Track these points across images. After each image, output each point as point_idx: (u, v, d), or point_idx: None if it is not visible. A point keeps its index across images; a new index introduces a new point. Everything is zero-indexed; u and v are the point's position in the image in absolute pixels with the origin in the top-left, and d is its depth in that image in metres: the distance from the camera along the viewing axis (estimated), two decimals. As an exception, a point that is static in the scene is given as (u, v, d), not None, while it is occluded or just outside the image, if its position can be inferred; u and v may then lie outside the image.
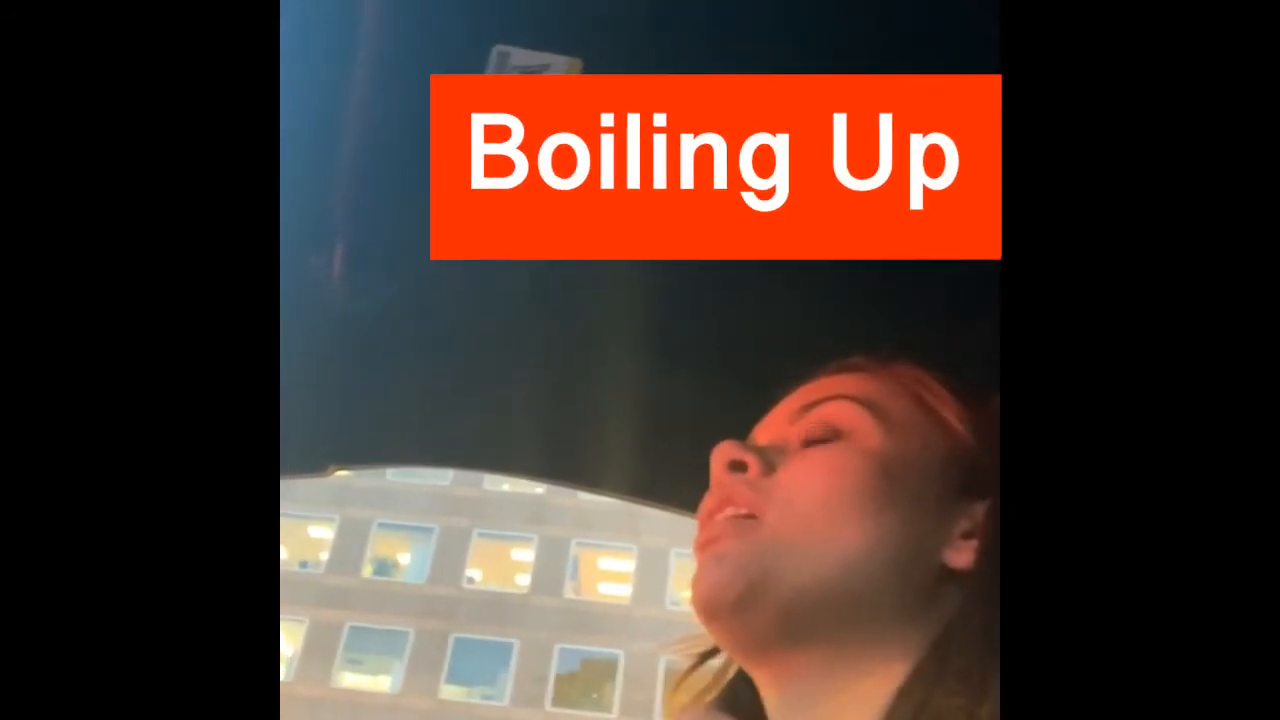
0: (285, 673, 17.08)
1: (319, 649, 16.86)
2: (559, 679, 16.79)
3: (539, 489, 16.62)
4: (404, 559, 18.37)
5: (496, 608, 17.28)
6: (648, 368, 0.80)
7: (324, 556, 17.93)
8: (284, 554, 17.95)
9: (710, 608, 0.48)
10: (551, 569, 17.77)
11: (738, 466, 0.51)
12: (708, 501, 0.51)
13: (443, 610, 17.17)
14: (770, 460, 0.51)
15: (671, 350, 0.79)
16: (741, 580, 0.47)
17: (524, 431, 0.87)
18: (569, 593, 17.59)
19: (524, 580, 17.89)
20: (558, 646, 16.85)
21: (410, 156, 0.64)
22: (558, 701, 16.54)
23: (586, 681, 16.88)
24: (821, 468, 0.50)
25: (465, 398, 0.85)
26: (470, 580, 17.87)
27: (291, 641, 17.08)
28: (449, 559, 17.85)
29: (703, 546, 0.50)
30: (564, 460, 0.89)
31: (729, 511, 0.50)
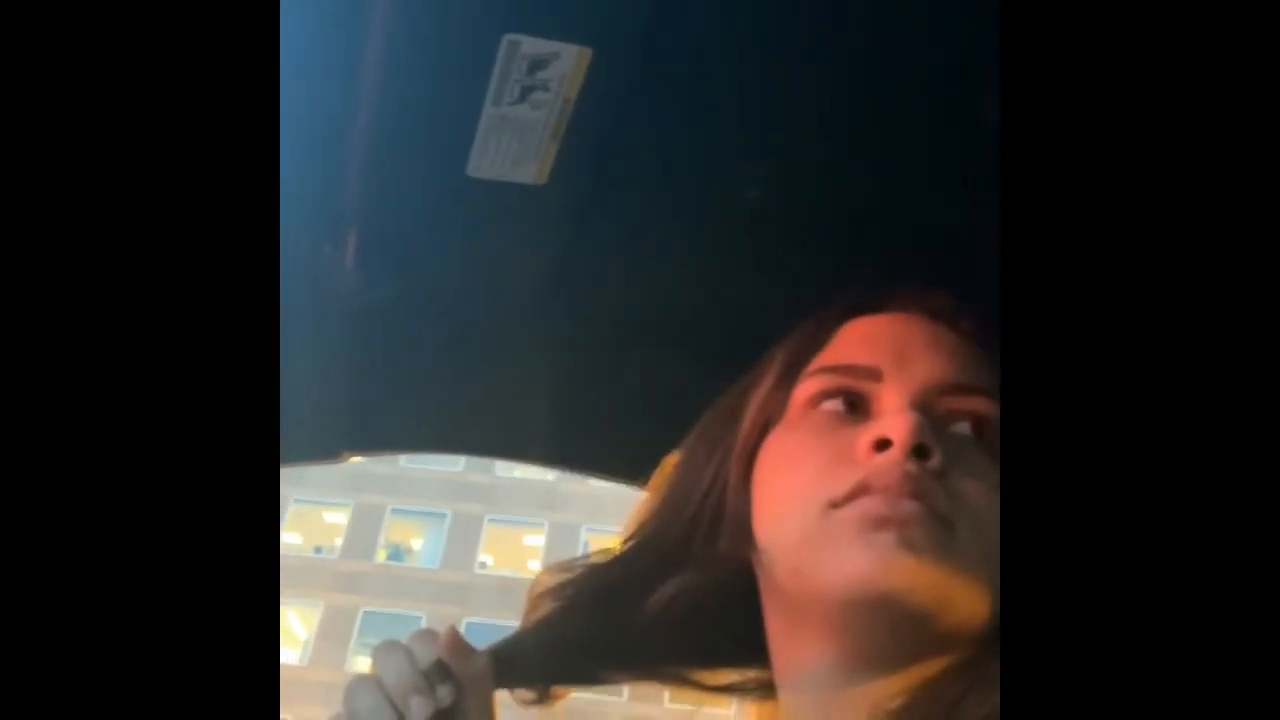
0: (300, 657, 17.20)
1: (333, 633, 16.96)
2: (570, 663, 16.77)
3: (550, 475, 16.65)
4: (417, 544, 18.44)
5: (508, 592, 17.32)
6: (658, 356, 0.80)
7: (338, 542, 18.03)
8: (299, 539, 18.08)
9: (876, 588, 0.43)
10: (563, 554, 17.68)
11: (923, 452, 0.45)
12: (880, 477, 0.45)
13: (455, 595, 17.24)
14: (944, 454, 0.46)
15: (683, 339, 0.79)
16: (920, 580, 0.43)
17: (535, 419, 0.87)
18: (581, 578, 17.57)
19: (535, 565, 17.93)
20: (569, 631, 16.84)
21: (422, 146, 0.64)
22: (569, 686, 16.52)
23: (598, 666, 16.88)
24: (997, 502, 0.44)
25: (476, 386, 0.85)
26: (483, 565, 17.94)
27: (306, 626, 17.19)
28: (461, 544, 17.92)
29: (881, 521, 0.44)
30: (575, 447, 0.89)
31: (923, 505, 0.44)
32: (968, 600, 0.45)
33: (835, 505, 0.46)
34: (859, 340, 0.52)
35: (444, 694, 0.45)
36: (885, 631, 0.45)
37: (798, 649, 0.49)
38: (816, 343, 0.53)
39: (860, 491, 0.45)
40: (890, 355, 0.50)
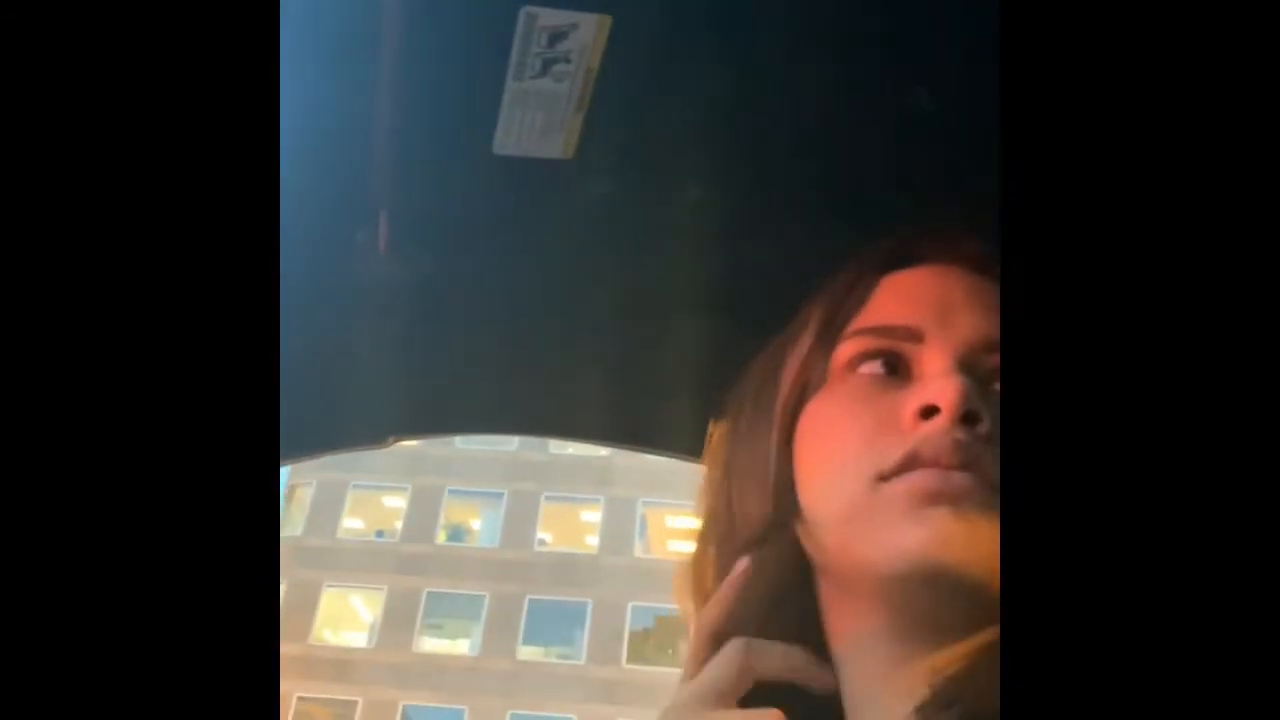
0: (367, 639, 17.58)
1: (399, 615, 17.33)
2: (633, 635, 17.03)
3: (604, 451, 16.77)
4: (476, 524, 18.73)
5: (568, 569, 17.55)
6: (709, 329, 0.79)
7: (399, 525, 18.37)
8: (360, 524, 18.44)
9: (930, 564, 0.42)
10: (620, 529, 17.96)
11: (973, 418, 0.44)
12: (929, 447, 0.43)
13: (516, 573, 17.50)
14: (991, 416, 0.44)
15: (734, 311, 0.78)
16: (975, 554, 0.42)
17: (587, 396, 0.87)
18: (639, 551, 17.77)
19: (593, 541, 18.12)
20: (631, 604, 17.07)
21: (448, 126, 0.64)
22: (633, 658, 16.79)
23: (662, 637, 17.08)
24: None
25: (528, 365, 0.85)
26: (541, 543, 18.16)
27: (371, 610, 17.58)
28: (520, 523, 18.15)
29: (933, 495, 0.43)
30: (627, 423, 0.89)
31: (975, 476, 0.43)
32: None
33: (884, 478, 0.44)
34: (898, 297, 0.50)
35: None
36: (939, 603, 0.44)
37: (850, 616, 0.48)
38: (855, 299, 0.51)
39: (909, 463, 0.44)
40: (931, 313, 0.48)
